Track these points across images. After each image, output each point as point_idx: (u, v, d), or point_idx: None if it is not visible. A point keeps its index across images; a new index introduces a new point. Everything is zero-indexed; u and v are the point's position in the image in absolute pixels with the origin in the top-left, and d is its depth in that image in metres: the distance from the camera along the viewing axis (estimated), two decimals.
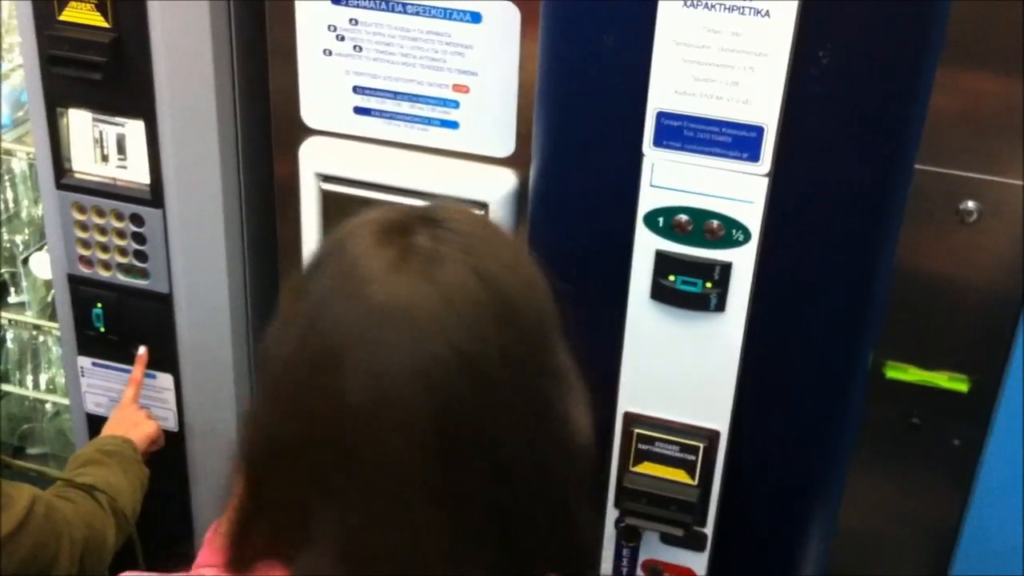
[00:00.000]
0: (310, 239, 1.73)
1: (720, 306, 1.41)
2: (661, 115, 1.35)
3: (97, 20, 1.71)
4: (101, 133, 1.81)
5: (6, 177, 2.35)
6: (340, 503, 0.90)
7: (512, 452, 0.89)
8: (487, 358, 0.87)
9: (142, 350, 1.94)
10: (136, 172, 1.82)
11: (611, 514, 1.59)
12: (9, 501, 1.51)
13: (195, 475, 2.02)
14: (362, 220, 0.95)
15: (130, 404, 1.92)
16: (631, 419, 1.52)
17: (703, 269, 1.40)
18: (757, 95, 1.30)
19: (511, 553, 0.91)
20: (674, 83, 1.33)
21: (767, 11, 1.26)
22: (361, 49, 1.63)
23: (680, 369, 1.47)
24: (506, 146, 1.62)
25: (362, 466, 0.88)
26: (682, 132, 1.35)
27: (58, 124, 1.82)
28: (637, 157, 1.38)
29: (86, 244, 1.89)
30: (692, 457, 1.51)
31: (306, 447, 0.90)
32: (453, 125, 1.64)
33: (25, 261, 2.37)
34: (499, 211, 1.62)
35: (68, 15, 1.71)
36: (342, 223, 0.96)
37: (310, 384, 0.89)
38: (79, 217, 1.87)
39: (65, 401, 2.27)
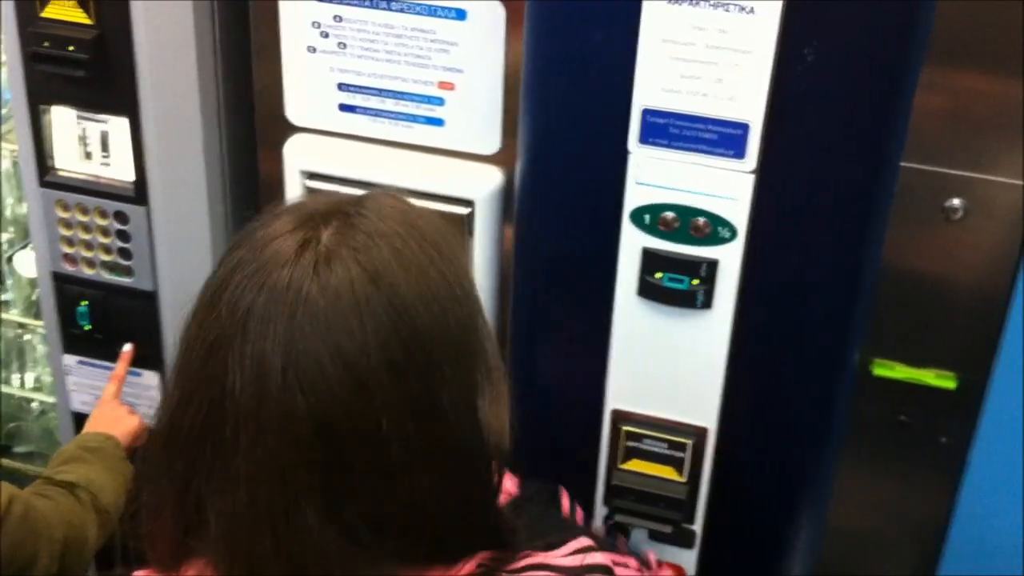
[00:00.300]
0: None
1: (707, 303, 1.41)
2: (647, 112, 1.34)
3: (80, 17, 1.69)
4: (85, 130, 1.80)
5: None
6: (222, 496, 0.87)
7: (396, 456, 0.85)
8: (367, 361, 0.83)
9: (127, 347, 1.93)
10: (120, 169, 1.81)
11: (600, 511, 1.59)
12: None
13: None
14: (294, 203, 0.93)
15: (112, 400, 1.89)
16: (619, 416, 1.52)
17: (689, 266, 1.40)
18: (742, 92, 1.30)
19: (405, 551, 0.89)
20: (660, 80, 1.32)
21: (752, 8, 1.26)
22: (345, 46, 1.62)
23: (668, 366, 1.47)
24: (492, 143, 1.62)
25: (244, 461, 0.85)
26: (668, 129, 1.34)
27: (41, 122, 1.81)
28: (623, 154, 1.37)
29: (70, 242, 1.88)
30: (680, 454, 1.51)
31: (193, 435, 0.87)
32: (438, 122, 1.63)
33: (9, 259, 2.36)
34: (485, 209, 1.61)
35: (51, 12, 1.70)
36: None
37: (201, 368, 0.87)
38: (63, 215, 1.86)
39: (51, 399, 2.26)
